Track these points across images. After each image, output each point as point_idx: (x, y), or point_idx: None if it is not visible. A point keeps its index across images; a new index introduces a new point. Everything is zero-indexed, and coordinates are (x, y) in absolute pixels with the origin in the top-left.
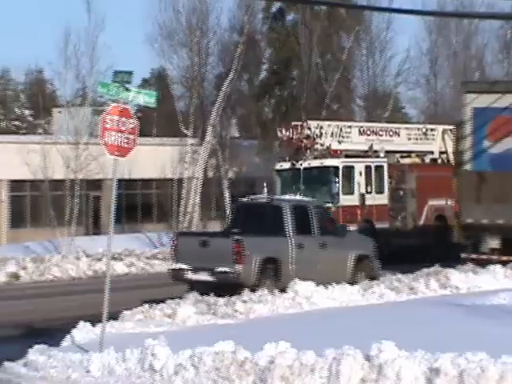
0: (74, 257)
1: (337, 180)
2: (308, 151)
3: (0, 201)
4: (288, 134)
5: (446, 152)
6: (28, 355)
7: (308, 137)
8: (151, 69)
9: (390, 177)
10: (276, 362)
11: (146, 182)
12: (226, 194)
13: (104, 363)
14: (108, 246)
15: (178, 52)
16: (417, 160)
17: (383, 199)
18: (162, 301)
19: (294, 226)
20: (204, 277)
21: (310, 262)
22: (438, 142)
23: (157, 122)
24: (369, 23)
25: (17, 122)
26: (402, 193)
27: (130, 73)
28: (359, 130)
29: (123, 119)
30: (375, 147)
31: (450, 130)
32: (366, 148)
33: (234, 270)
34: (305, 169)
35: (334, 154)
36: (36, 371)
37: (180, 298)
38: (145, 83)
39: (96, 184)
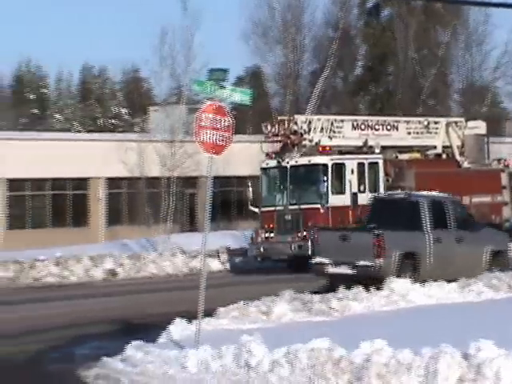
0: (169, 254)
1: (325, 179)
2: (295, 148)
3: (97, 198)
4: (274, 129)
5: (450, 146)
6: (126, 351)
7: (295, 132)
8: (246, 66)
9: (386, 174)
10: (372, 360)
11: (241, 180)
12: None
13: (200, 359)
14: (203, 243)
15: (272, 49)
16: (418, 156)
17: None
18: (258, 298)
19: (431, 220)
20: (344, 270)
21: (446, 256)
22: (441, 135)
23: (251, 119)
24: (466, 17)
25: (114, 120)
26: (399, 191)
27: (225, 71)
28: (352, 125)
29: (218, 117)
30: (370, 142)
31: (456, 122)
32: (360, 143)
33: (375, 264)
34: (292, 167)
35: (324, 150)
36: (133, 367)
37: (275, 295)
38: (239, 81)
39: (191, 181)
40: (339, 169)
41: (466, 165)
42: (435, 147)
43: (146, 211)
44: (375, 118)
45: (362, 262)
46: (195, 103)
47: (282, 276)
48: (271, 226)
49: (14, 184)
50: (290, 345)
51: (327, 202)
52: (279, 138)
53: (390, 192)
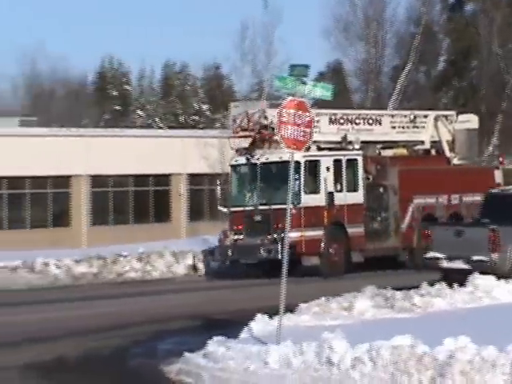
0: None
1: (297, 177)
2: (266, 143)
3: (179, 194)
4: (243, 123)
5: (439, 141)
6: (207, 346)
7: (266, 127)
8: (327, 62)
9: (366, 172)
10: (456, 356)
11: None
12: None
13: (281, 355)
14: (284, 238)
15: (354, 45)
16: (404, 152)
17: (357, 198)
18: (338, 294)
19: None
20: (459, 265)
21: None
22: (429, 130)
23: None
24: None
25: (195, 117)
26: (381, 190)
27: (306, 66)
28: (330, 119)
29: (299, 113)
30: (349, 138)
31: (446, 116)
32: (338, 139)
33: (490, 259)
34: (262, 164)
35: (291, 146)
36: (215, 362)
37: (357, 291)
38: (320, 77)
39: None
40: (313, 166)
41: (456, 161)
42: (423, 142)
43: None
44: (356, 112)
45: (477, 257)
46: (276, 99)
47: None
48: (240, 227)
49: (97, 180)
50: (372, 341)
51: (299, 201)
52: (249, 133)
53: (503, 188)
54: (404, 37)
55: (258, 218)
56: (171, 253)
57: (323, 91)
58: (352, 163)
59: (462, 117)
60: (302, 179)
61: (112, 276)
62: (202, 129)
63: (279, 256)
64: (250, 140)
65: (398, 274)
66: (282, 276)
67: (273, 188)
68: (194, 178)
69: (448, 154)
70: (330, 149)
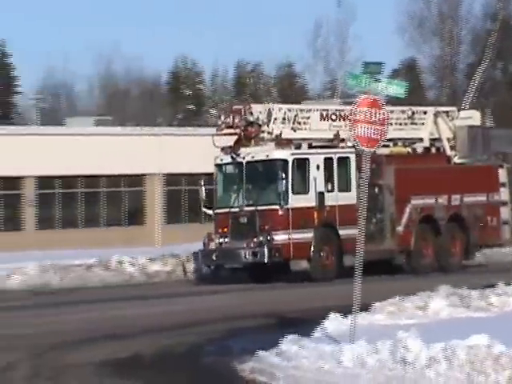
0: None
1: (284, 176)
2: (252, 141)
3: None
4: (228, 119)
5: (439, 139)
6: (280, 345)
7: (251, 123)
8: (401, 59)
9: (360, 171)
10: None
11: None
12: None
13: (355, 355)
14: (359, 236)
15: (428, 41)
16: (402, 149)
17: (350, 198)
18: (413, 293)
19: None
20: None
21: None
22: (428, 127)
23: None
24: None
25: None
26: (376, 190)
27: (380, 64)
28: (321, 115)
29: (373, 110)
30: (342, 135)
31: (446, 112)
32: (331, 136)
33: None
34: (248, 163)
35: (284, 144)
36: (288, 361)
37: (431, 290)
38: (394, 74)
39: None
40: (302, 165)
41: (457, 160)
42: (422, 140)
43: None
44: (349, 108)
45: None
46: (349, 97)
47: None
48: (225, 230)
49: (171, 179)
50: (448, 341)
51: (287, 202)
52: (234, 130)
53: None
54: (480, 33)
55: (243, 219)
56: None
57: (397, 89)
58: (344, 161)
59: (463, 113)
60: (290, 178)
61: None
62: None
63: (265, 260)
64: (235, 137)
65: (395, 278)
66: (356, 275)
67: (259, 188)
68: None
69: (448, 152)
70: (321, 146)
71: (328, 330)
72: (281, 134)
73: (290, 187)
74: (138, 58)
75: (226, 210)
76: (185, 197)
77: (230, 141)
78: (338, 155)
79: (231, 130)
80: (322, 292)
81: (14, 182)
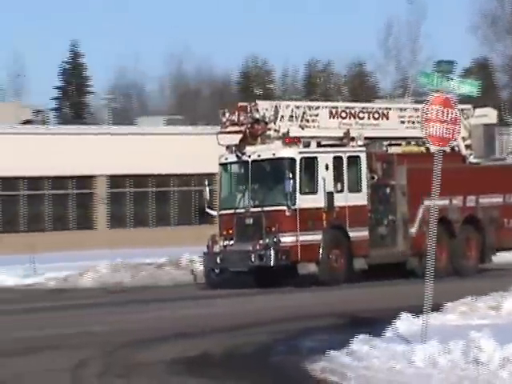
0: None
1: (292, 175)
2: (258, 139)
3: None
4: (233, 117)
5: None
6: (351, 345)
7: (257, 121)
8: (473, 58)
9: (371, 170)
10: None
11: None
12: None
13: (427, 355)
14: (430, 241)
15: (502, 40)
16: (415, 149)
17: (360, 199)
18: (485, 293)
19: None
20: None
21: None
22: None
23: None
24: None
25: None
26: (388, 190)
27: (452, 62)
28: (330, 112)
29: (445, 109)
30: (352, 133)
31: (461, 110)
32: (341, 134)
33: None
34: (254, 161)
35: (291, 142)
36: (359, 361)
37: (504, 290)
38: (466, 72)
39: None
40: (310, 164)
41: (472, 159)
42: None
43: None
44: (359, 105)
45: None
46: (420, 95)
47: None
48: (230, 231)
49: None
50: None
51: (294, 203)
52: (239, 128)
53: None
54: None
55: (249, 221)
56: None
57: (470, 88)
58: (354, 161)
59: (479, 111)
60: (298, 178)
61: None
62: None
63: (272, 263)
64: (240, 135)
65: (409, 282)
66: (428, 275)
67: (265, 188)
68: None
69: (464, 151)
70: (331, 145)
71: (399, 330)
72: (288, 131)
73: (297, 187)
74: (208, 58)
75: (231, 211)
76: None
77: (236, 139)
78: (347, 154)
79: (236, 128)
80: (344, 296)
81: (86, 180)
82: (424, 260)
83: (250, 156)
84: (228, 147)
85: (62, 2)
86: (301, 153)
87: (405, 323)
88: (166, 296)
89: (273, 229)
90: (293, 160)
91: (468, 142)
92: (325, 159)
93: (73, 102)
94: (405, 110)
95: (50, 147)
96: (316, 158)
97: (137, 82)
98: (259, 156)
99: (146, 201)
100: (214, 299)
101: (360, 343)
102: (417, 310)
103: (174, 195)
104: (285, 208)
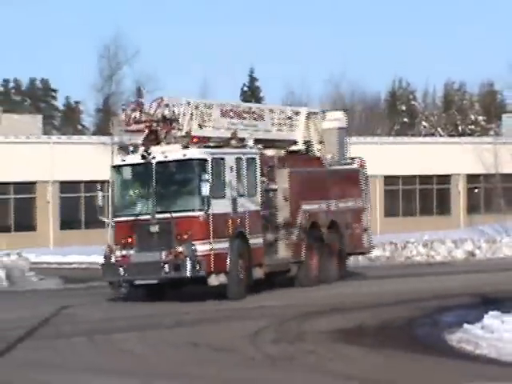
0: None
1: (206, 178)
2: (162, 139)
3: (458, 191)
4: (134, 114)
5: (310, 141)
6: (484, 319)
7: (165, 119)
8: None
9: (262, 173)
10: None
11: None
12: None
13: None
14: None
15: None
16: (281, 152)
17: (256, 204)
18: None
19: None
20: None
21: None
22: (301, 128)
23: None
24: None
25: (472, 126)
26: (272, 194)
27: None
28: (221, 111)
29: None
30: (241, 134)
31: (315, 113)
32: (228, 135)
33: None
34: (159, 163)
35: (200, 141)
36: (491, 333)
37: None
38: None
39: None
40: (219, 165)
41: (328, 163)
42: (296, 142)
43: (500, 202)
44: (244, 105)
45: None
46: None
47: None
48: (129, 240)
49: (389, 180)
50: None
51: (209, 207)
52: (142, 126)
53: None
54: None
55: (154, 228)
56: (451, 240)
57: None
58: (251, 163)
59: (330, 115)
60: (210, 181)
61: (401, 259)
62: (477, 136)
63: (188, 274)
64: (142, 134)
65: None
66: None
67: (174, 192)
68: (471, 178)
69: (320, 154)
70: (217, 147)
71: None
72: (190, 131)
73: (210, 190)
74: (361, 81)
75: (130, 218)
76: (401, 195)
77: (135, 138)
78: (246, 156)
79: (139, 126)
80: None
81: None
82: (302, 267)
83: (154, 157)
84: (122, 148)
85: (240, 33)
86: (212, 153)
87: None
88: None
89: (185, 236)
90: (205, 161)
91: (322, 146)
92: (230, 161)
93: None
94: (274, 111)
95: None
96: (224, 159)
97: (303, 101)
98: (166, 157)
99: None
100: (369, 280)
101: (492, 318)
102: None
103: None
104: (198, 213)
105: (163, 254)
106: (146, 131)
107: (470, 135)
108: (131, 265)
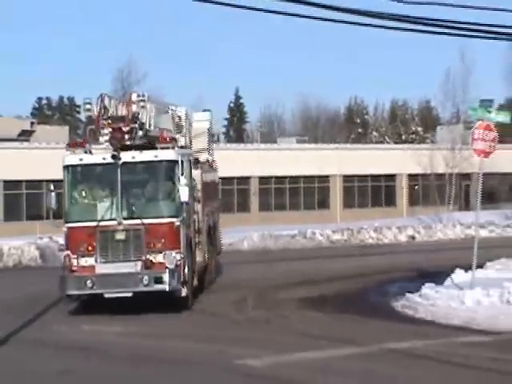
0: (451, 225)
1: (184, 182)
2: (125, 137)
3: (401, 187)
4: (106, 111)
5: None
6: (422, 290)
7: (134, 117)
8: (505, 96)
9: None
10: None
11: (501, 176)
12: None
13: (473, 297)
14: (476, 217)
15: None
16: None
17: (192, 208)
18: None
19: None
20: None
21: None
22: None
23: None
24: None
25: (412, 135)
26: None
27: (491, 100)
28: (157, 109)
29: (487, 132)
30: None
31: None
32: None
33: None
34: (125, 164)
35: (168, 141)
36: (427, 300)
37: None
38: (501, 107)
39: (466, 176)
40: (186, 168)
41: (214, 165)
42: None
43: (435, 196)
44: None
45: None
46: (469, 123)
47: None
48: (89, 249)
49: (348, 179)
50: None
51: (182, 213)
52: (107, 123)
53: None
54: None
55: (121, 235)
56: (396, 227)
57: (503, 117)
58: (191, 165)
59: (198, 115)
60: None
61: (356, 242)
62: (417, 143)
63: (168, 287)
64: (105, 132)
65: None
66: (475, 242)
67: (143, 196)
68: (411, 177)
69: (209, 156)
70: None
71: (454, 280)
72: (148, 131)
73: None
74: (325, 98)
75: (89, 223)
76: (357, 190)
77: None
78: (192, 157)
79: (105, 123)
80: None
81: (243, 180)
82: (207, 271)
83: (119, 158)
84: (72, 145)
85: (228, 58)
86: (182, 155)
87: (458, 276)
88: (296, 256)
89: (159, 245)
90: (176, 163)
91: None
92: (188, 163)
93: (236, 129)
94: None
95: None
96: (189, 161)
97: (277, 114)
98: (133, 157)
99: (284, 193)
100: (331, 258)
101: (428, 288)
102: (466, 267)
103: (302, 189)
104: (174, 220)
105: (138, 264)
106: (110, 129)
107: (411, 143)
108: (100, 276)
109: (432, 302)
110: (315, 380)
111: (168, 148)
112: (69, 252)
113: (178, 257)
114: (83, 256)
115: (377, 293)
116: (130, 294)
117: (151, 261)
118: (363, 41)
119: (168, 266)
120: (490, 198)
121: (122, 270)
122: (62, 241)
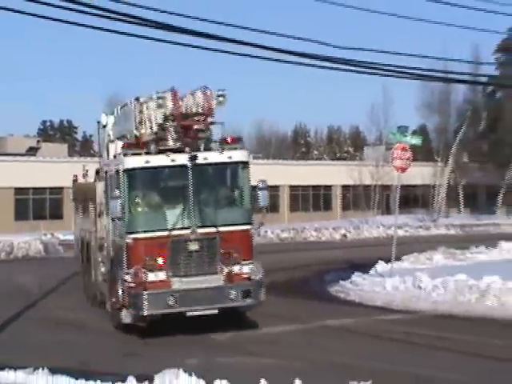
0: (375, 226)
1: (262, 185)
2: (203, 136)
3: (337, 196)
4: (178, 104)
5: None
6: (352, 278)
7: (209, 110)
8: (418, 123)
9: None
10: (491, 286)
11: (413, 188)
12: None
13: (393, 283)
14: (395, 220)
15: (433, 116)
16: None
17: None
18: (424, 251)
19: None
20: None
21: None
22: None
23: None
24: None
25: (345, 154)
26: None
27: (407, 127)
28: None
29: (403, 152)
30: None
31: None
32: None
33: None
34: (196, 166)
35: (235, 141)
36: (356, 286)
37: (433, 250)
38: (414, 132)
39: (387, 187)
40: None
41: None
42: None
43: (363, 203)
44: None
45: None
46: (390, 144)
47: None
48: (161, 262)
49: (292, 188)
50: (444, 277)
51: (252, 220)
52: (187, 121)
53: None
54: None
55: (194, 246)
56: (332, 227)
57: (416, 140)
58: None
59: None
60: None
61: (300, 239)
62: (349, 160)
63: (255, 301)
64: (185, 131)
65: None
66: (394, 240)
67: (216, 202)
68: (344, 188)
69: None
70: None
71: (378, 269)
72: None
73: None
74: (276, 122)
75: (156, 233)
76: (310, 197)
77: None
78: None
79: (186, 122)
80: None
81: (272, 188)
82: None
83: (196, 159)
84: (130, 145)
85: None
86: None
87: (380, 266)
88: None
89: (234, 255)
90: (247, 164)
91: None
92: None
93: None
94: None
95: None
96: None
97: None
98: (205, 159)
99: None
100: (283, 252)
101: (357, 277)
102: (386, 260)
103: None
104: (248, 227)
105: (221, 277)
106: (181, 127)
107: (344, 160)
108: (181, 292)
109: (360, 287)
110: (267, 350)
111: (236, 149)
112: (139, 266)
113: (261, 267)
114: (151, 270)
115: (316, 280)
116: (215, 311)
117: (234, 273)
118: (306, 77)
119: (253, 278)
120: (406, 205)
121: (204, 284)
122: (62, 237)
